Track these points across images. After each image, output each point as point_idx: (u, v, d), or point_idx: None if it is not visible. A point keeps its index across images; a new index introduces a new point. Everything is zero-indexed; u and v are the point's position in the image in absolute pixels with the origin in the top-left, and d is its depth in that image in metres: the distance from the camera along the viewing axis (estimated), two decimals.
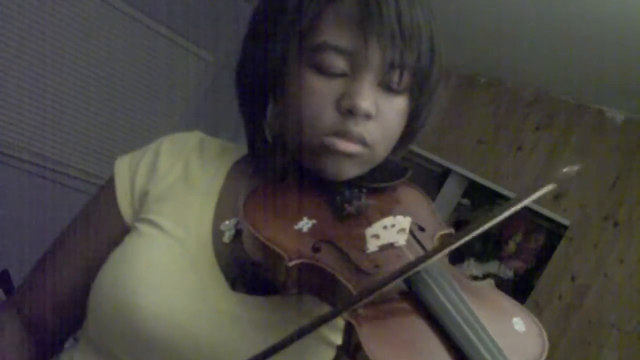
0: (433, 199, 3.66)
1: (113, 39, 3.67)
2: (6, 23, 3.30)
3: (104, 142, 3.81)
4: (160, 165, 0.88)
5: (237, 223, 0.83)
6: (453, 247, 0.63)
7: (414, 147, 3.68)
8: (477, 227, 0.62)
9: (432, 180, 3.85)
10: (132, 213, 0.87)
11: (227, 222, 0.82)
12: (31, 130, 3.52)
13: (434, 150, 3.71)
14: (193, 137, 0.94)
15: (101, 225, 0.88)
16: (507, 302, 0.68)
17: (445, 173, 3.77)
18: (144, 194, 0.87)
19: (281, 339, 0.62)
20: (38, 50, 3.43)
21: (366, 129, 0.75)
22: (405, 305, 0.64)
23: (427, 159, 3.76)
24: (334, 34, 0.73)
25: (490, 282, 0.71)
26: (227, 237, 0.81)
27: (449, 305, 0.62)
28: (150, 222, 0.82)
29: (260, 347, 0.75)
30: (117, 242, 0.84)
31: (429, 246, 0.74)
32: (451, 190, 3.71)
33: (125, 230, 0.86)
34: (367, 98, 0.73)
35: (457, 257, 3.64)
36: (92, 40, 3.60)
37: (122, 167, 0.90)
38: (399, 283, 0.64)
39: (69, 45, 3.53)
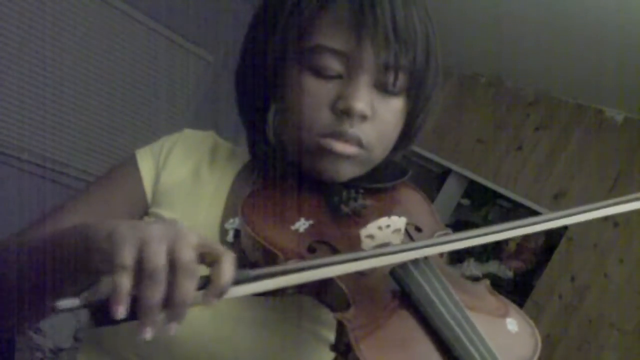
0: (433, 199, 3.66)
1: (113, 39, 3.66)
2: (6, 23, 3.30)
3: (104, 142, 3.81)
4: (172, 157, 0.89)
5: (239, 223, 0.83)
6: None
7: (414, 147, 3.67)
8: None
9: (432, 180, 3.85)
10: (151, 190, 0.88)
11: (231, 220, 0.83)
12: (31, 130, 3.52)
13: (434, 150, 3.71)
14: (207, 140, 0.95)
15: (120, 194, 0.87)
16: (501, 302, 0.69)
17: (445, 173, 3.76)
18: (157, 179, 0.88)
19: None
20: (38, 50, 3.43)
21: (362, 130, 0.76)
22: (396, 305, 0.64)
23: (427, 159, 3.76)
24: (329, 36, 0.74)
25: (485, 282, 0.72)
26: (230, 237, 0.82)
27: (439, 305, 0.62)
28: (158, 217, 0.84)
29: (261, 346, 0.76)
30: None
31: None
32: (451, 190, 3.71)
33: (144, 205, 0.87)
34: (362, 99, 0.74)
35: (457, 257, 3.63)
36: (92, 40, 3.59)
37: (145, 153, 0.90)
38: (390, 282, 0.64)
39: (69, 45, 3.52)
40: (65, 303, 0.51)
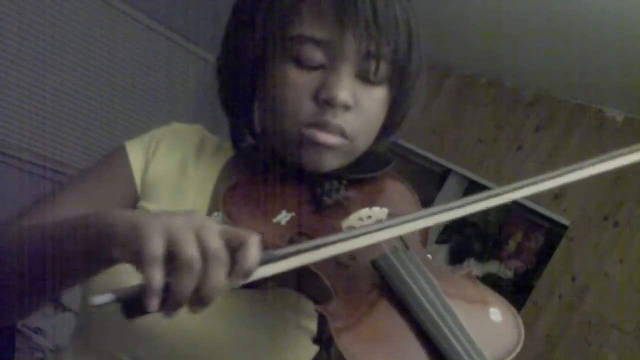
0: (433, 198, 3.65)
1: (113, 39, 3.67)
2: (6, 23, 3.30)
3: (104, 142, 3.81)
4: (160, 150, 0.89)
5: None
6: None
7: (414, 147, 3.68)
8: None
9: (432, 180, 3.84)
10: (140, 180, 0.87)
11: (215, 214, 0.83)
12: (31, 130, 3.52)
13: (434, 150, 3.70)
14: (195, 133, 0.95)
15: (111, 184, 0.87)
16: (484, 292, 0.68)
17: (445, 173, 3.75)
18: (146, 170, 0.88)
19: None
20: (38, 50, 3.43)
21: (345, 120, 0.75)
22: (378, 296, 0.64)
23: (427, 159, 3.75)
24: (311, 26, 0.73)
25: (468, 272, 0.71)
26: None
27: (420, 295, 0.62)
28: (144, 211, 0.83)
29: (248, 339, 0.75)
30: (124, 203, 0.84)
31: (408, 237, 0.74)
32: (451, 190, 3.69)
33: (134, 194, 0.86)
34: (345, 89, 0.74)
35: (457, 257, 3.62)
36: (92, 40, 3.60)
37: (135, 144, 0.90)
38: (372, 274, 0.64)
39: (69, 45, 3.53)
40: (101, 298, 0.50)
